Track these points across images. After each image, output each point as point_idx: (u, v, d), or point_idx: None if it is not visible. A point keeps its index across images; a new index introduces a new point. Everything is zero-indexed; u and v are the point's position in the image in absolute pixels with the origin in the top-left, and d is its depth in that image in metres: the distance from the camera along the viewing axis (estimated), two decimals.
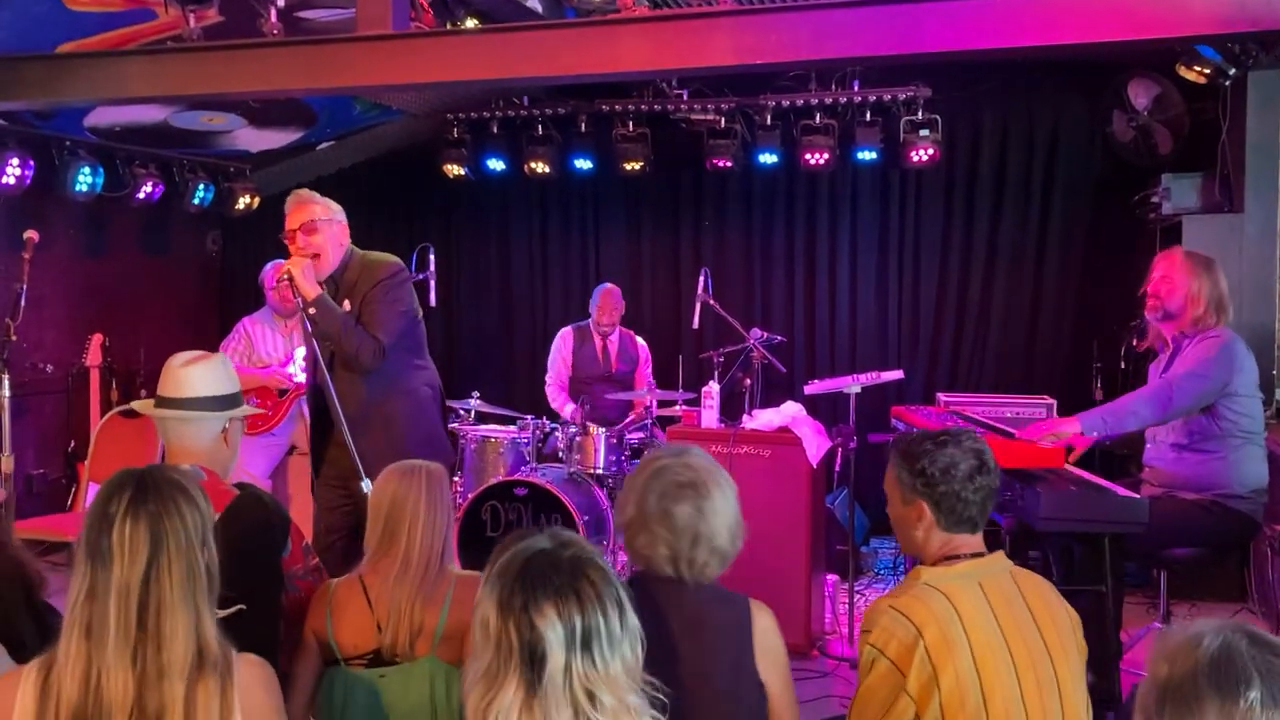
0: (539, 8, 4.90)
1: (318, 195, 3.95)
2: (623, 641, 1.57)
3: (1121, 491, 3.48)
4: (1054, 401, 5.63)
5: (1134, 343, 4.45)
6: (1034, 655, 2.14)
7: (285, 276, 3.72)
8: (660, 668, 2.08)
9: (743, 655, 2.20)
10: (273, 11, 4.10)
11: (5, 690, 1.81)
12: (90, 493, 5.31)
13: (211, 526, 1.90)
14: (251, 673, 1.88)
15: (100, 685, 1.75)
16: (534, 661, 1.50)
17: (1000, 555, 2.29)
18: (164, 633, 1.77)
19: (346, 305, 3.82)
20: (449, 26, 4.56)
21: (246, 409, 2.73)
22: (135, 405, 2.79)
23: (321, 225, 3.83)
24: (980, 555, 2.26)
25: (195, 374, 2.62)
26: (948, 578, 2.20)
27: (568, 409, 6.21)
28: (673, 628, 2.15)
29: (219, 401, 2.64)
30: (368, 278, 3.85)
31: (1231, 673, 1.28)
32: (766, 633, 2.24)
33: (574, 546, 1.64)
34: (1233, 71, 5.20)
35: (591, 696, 1.51)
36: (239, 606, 1.97)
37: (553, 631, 1.51)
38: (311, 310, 3.71)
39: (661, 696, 1.61)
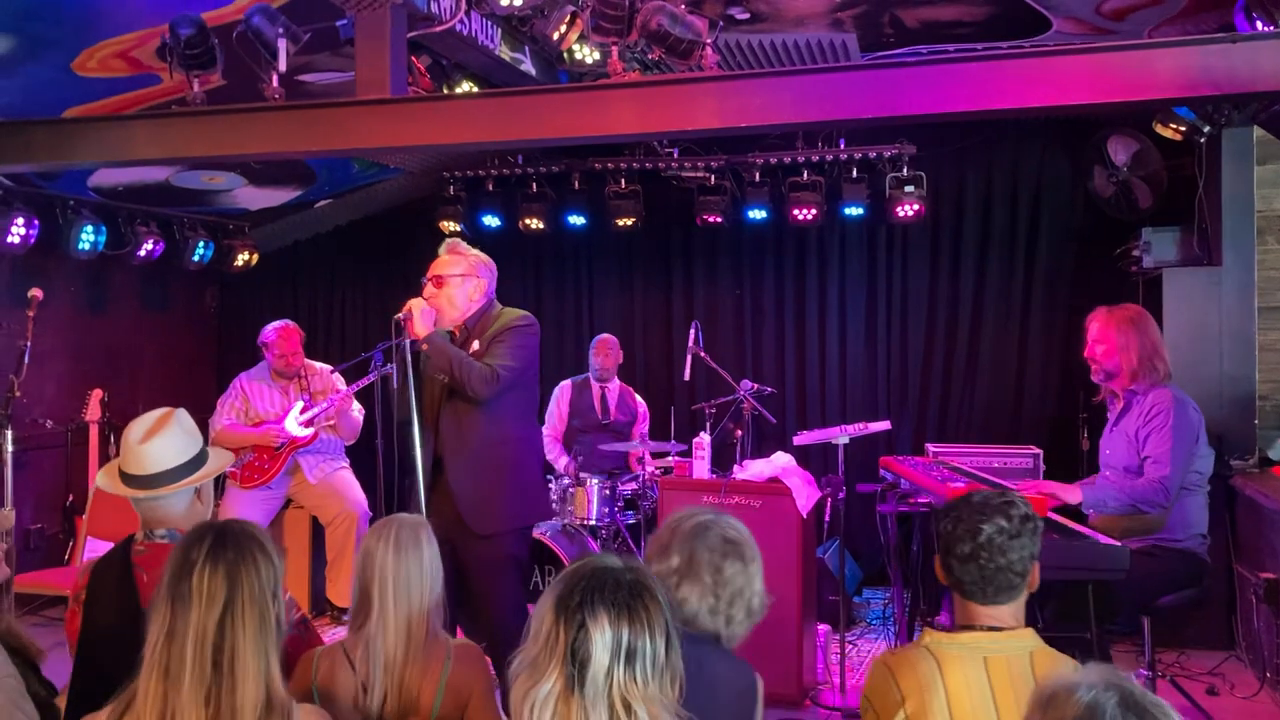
0: (533, 71, 5.06)
1: (466, 248, 4.03)
2: (665, 672, 1.65)
3: (1103, 539, 3.55)
4: (1040, 452, 5.70)
5: (1093, 399, 4.54)
6: None
7: (405, 314, 3.85)
8: None
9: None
10: (274, 76, 4.22)
11: None
12: (89, 547, 5.34)
13: (281, 579, 1.98)
14: None
15: None
16: (576, 659, 1.58)
17: (1027, 633, 2.23)
18: (237, 675, 1.85)
19: (475, 346, 3.91)
20: (445, 90, 4.71)
21: (216, 464, 2.62)
22: (100, 484, 2.62)
23: (452, 280, 3.95)
24: (998, 630, 2.21)
25: (155, 449, 2.51)
26: (949, 645, 2.19)
27: (562, 462, 6.27)
28: (696, 684, 2.15)
29: (184, 469, 2.54)
30: (500, 324, 3.96)
31: None
32: (761, 700, 2.29)
33: (640, 573, 1.72)
34: (1207, 129, 5.35)
35: (629, 708, 1.59)
36: None
37: (600, 636, 1.59)
38: (424, 346, 3.83)
39: None
